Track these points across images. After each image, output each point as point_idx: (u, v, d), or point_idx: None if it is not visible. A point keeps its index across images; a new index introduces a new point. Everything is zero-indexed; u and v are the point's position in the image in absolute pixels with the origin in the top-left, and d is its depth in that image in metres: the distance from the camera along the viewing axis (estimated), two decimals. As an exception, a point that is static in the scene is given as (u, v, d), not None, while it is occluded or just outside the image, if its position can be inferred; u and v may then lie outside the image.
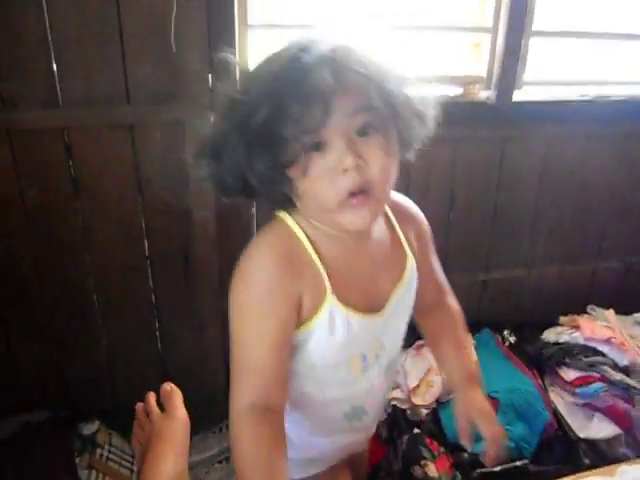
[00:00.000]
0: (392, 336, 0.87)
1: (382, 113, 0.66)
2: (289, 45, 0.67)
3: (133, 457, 1.50)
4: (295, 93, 0.62)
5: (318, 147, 0.66)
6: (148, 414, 0.91)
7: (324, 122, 0.63)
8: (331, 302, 0.75)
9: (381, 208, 0.76)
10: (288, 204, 0.75)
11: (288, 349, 0.76)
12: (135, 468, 1.49)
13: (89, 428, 1.53)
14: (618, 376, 1.53)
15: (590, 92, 1.68)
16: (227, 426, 1.65)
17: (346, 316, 0.76)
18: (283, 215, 0.78)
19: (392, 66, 0.68)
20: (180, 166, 1.38)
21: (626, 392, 1.52)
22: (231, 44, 1.33)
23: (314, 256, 0.75)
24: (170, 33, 1.27)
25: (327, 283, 0.75)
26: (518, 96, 1.60)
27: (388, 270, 0.83)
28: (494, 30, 1.51)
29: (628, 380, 1.53)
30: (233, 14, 1.32)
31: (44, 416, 1.51)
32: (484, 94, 1.59)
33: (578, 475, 0.96)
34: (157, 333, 1.59)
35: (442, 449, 1.41)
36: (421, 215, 0.91)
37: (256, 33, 1.38)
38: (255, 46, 1.38)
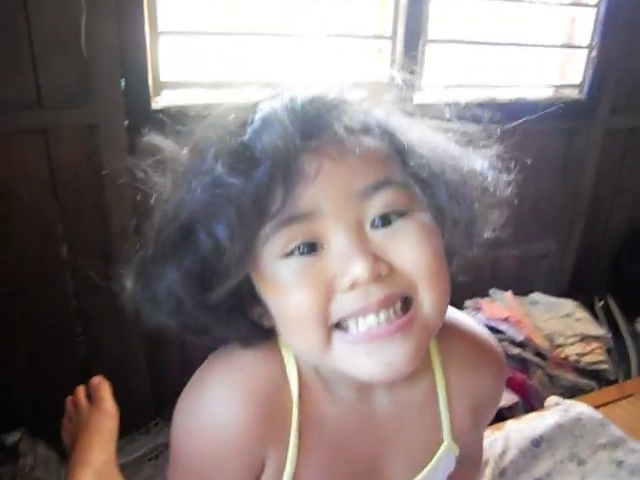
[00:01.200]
0: None
1: (412, 194, 0.44)
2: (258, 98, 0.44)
3: (60, 464, 1.49)
4: (244, 161, 0.40)
5: (305, 250, 0.41)
6: (76, 407, 0.93)
7: (296, 208, 0.40)
8: None
9: (429, 337, 0.45)
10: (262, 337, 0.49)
11: None
12: (62, 474, 1.48)
13: (11, 438, 1.50)
14: (515, 350, 1.69)
15: (481, 95, 1.85)
16: (155, 425, 1.68)
17: None
18: (285, 346, 0.50)
19: (421, 126, 0.48)
20: (96, 169, 1.39)
21: (522, 364, 1.69)
22: (142, 49, 1.36)
23: (294, 421, 0.49)
24: (80, 37, 1.29)
25: (288, 469, 0.49)
26: (417, 99, 1.72)
27: (401, 456, 0.53)
28: (393, 38, 1.63)
29: (524, 354, 1.70)
30: (143, 20, 1.35)
31: (-39, 429, 1.47)
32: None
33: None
34: (80, 338, 1.58)
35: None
36: (500, 359, 0.58)
37: (168, 39, 1.42)
38: (167, 52, 1.41)
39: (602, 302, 2.10)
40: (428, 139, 0.46)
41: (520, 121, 1.87)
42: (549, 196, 2.14)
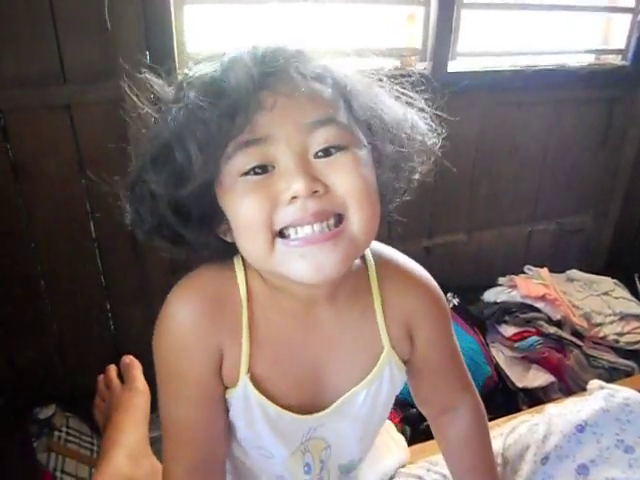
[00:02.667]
0: (347, 442, 0.68)
1: (353, 135, 0.53)
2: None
3: (92, 437, 1.52)
4: (210, 95, 0.49)
5: (259, 170, 0.50)
6: (108, 386, 0.93)
7: (253, 134, 0.49)
8: (245, 385, 0.59)
9: (356, 251, 0.54)
10: (225, 253, 0.60)
11: (219, 404, 0.61)
12: (95, 448, 1.50)
13: (45, 412, 1.52)
14: (552, 329, 1.64)
15: (520, 62, 1.76)
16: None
17: (263, 408, 0.60)
18: (237, 257, 0.61)
19: (370, 82, 0.56)
20: (123, 146, 1.37)
21: (559, 343, 1.64)
22: (167, 20, 1.32)
23: (244, 318, 0.59)
24: (104, 10, 1.25)
25: (244, 359, 0.59)
26: (453, 67, 1.66)
27: (346, 362, 0.63)
28: (427, 2, 1.55)
29: (560, 332, 1.65)
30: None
31: (-2, 403, 1.50)
32: (420, 65, 1.64)
33: (513, 415, 1.05)
34: (109, 314, 1.59)
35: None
36: (432, 288, 0.66)
37: (193, 9, 1.38)
38: (192, 22, 1.37)
39: (642, 279, 2.02)
40: (372, 92, 0.56)
41: (557, 90, 1.81)
42: (587, 168, 2.05)
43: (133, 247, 1.50)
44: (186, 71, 0.55)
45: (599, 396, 0.96)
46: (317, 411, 0.63)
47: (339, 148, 0.51)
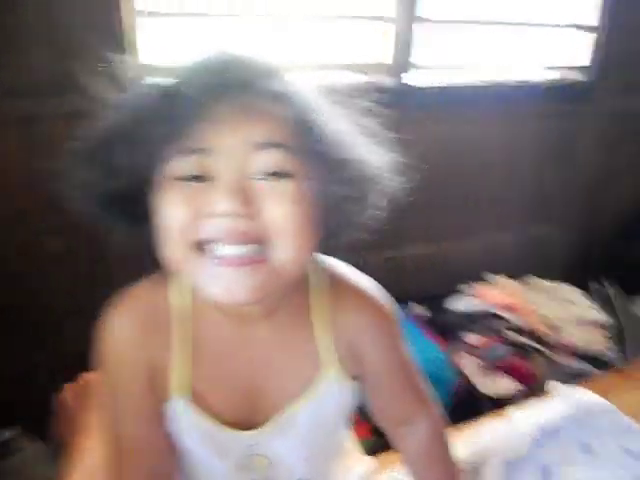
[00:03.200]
0: (291, 461, 0.66)
1: (302, 163, 0.50)
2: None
3: (53, 460, 1.47)
4: (165, 99, 0.48)
5: (196, 178, 0.49)
6: (73, 402, 0.90)
7: (197, 142, 0.48)
8: (178, 399, 0.59)
9: (278, 281, 0.51)
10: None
11: (160, 418, 0.61)
12: (56, 471, 1.45)
13: (6, 434, 1.47)
14: (515, 337, 1.68)
15: (485, 77, 1.81)
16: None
17: (198, 423, 0.60)
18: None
19: (334, 113, 0.53)
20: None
21: (523, 350, 1.67)
22: (120, 33, 1.31)
23: (176, 333, 0.59)
24: (55, 21, 1.24)
25: (176, 374, 0.59)
26: (421, 81, 1.70)
27: (284, 379, 0.62)
28: (391, 18, 1.59)
29: (524, 339, 1.68)
30: (118, 1, 1.30)
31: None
32: (387, 80, 1.66)
33: (475, 420, 1.07)
34: (75, 333, 1.54)
35: (359, 415, 1.48)
36: (382, 306, 0.65)
37: (148, 21, 1.37)
38: (144, 33, 1.37)
39: (598, 285, 2.08)
40: (336, 125, 0.52)
41: (519, 105, 1.87)
42: (548, 180, 2.12)
43: (98, 259, 1.48)
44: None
45: (559, 399, 0.99)
46: (255, 427, 0.62)
47: (282, 175, 0.49)
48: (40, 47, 1.26)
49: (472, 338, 1.70)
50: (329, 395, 0.63)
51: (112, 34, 1.31)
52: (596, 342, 1.76)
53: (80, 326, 1.52)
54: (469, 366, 1.68)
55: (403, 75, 1.67)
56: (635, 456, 0.90)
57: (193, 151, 0.49)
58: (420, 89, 1.71)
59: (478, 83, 1.80)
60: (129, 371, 0.59)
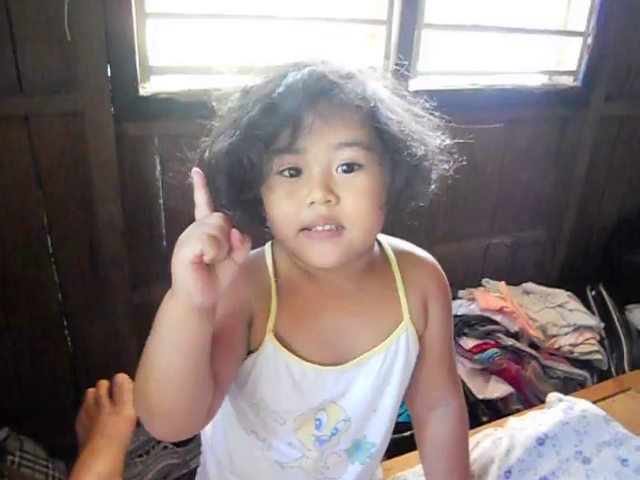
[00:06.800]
0: (362, 413, 0.74)
1: (373, 153, 0.62)
2: (292, 61, 0.63)
3: (47, 461, 1.46)
4: (268, 111, 0.59)
5: (293, 173, 0.61)
6: (97, 402, 0.89)
7: (293, 145, 0.59)
8: (271, 343, 0.68)
9: (353, 251, 0.64)
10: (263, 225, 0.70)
11: (235, 356, 0.67)
12: (50, 472, 1.44)
13: (-1, 435, 1.46)
14: (510, 341, 1.69)
15: (478, 82, 1.82)
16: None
17: (288, 365, 0.68)
18: (268, 245, 0.73)
19: (401, 109, 0.65)
20: (82, 159, 1.34)
21: (517, 355, 1.68)
22: (129, 33, 1.30)
23: (273, 288, 0.69)
24: (64, 20, 1.23)
25: (271, 320, 0.68)
26: (411, 86, 1.69)
27: (366, 327, 0.72)
28: (388, 22, 1.59)
29: (518, 344, 1.69)
30: (129, 1, 1.29)
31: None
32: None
33: (476, 429, 1.07)
34: (66, 331, 1.54)
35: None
36: (442, 273, 0.78)
37: (156, 22, 1.36)
38: (156, 36, 1.36)
39: (594, 291, 2.09)
40: (398, 115, 0.64)
41: (513, 109, 1.88)
42: (541, 184, 2.13)
43: (91, 262, 1.47)
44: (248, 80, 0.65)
45: (558, 409, 1.00)
46: (338, 367, 0.70)
47: (358, 165, 0.61)
48: (42, 46, 1.24)
49: (467, 342, 1.71)
50: (402, 346, 0.73)
51: (121, 35, 1.30)
52: (590, 348, 1.77)
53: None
54: (464, 370, 1.69)
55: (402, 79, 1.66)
56: (633, 467, 0.91)
57: (289, 152, 0.60)
58: (415, 93, 1.70)
59: (472, 87, 1.80)
60: (230, 303, 0.64)
